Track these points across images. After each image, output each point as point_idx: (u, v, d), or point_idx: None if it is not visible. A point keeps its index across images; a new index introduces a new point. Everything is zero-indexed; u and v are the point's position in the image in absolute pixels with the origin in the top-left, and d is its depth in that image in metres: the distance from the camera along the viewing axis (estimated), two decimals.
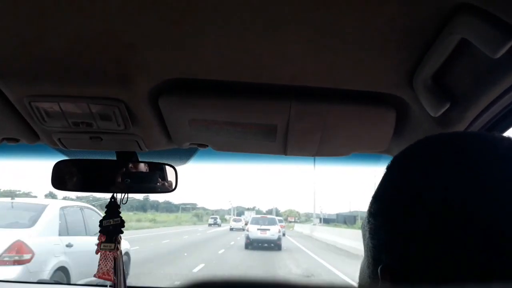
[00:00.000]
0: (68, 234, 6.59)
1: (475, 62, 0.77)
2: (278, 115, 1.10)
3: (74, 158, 1.55)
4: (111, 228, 1.57)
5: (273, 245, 21.34)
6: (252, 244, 21.30)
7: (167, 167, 1.58)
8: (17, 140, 1.29)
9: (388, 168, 0.53)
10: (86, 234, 6.78)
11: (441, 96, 0.87)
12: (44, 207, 6.54)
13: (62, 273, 6.10)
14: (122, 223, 1.60)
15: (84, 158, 1.54)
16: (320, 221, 59.36)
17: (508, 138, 0.50)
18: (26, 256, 5.59)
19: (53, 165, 1.50)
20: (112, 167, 1.54)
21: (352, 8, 0.72)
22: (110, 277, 1.56)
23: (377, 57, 0.87)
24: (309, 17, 0.76)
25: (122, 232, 1.60)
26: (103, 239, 1.57)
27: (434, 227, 0.44)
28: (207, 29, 0.80)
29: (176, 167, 1.57)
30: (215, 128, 1.20)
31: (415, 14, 0.73)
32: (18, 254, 5.56)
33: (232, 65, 0.93)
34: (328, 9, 0.73)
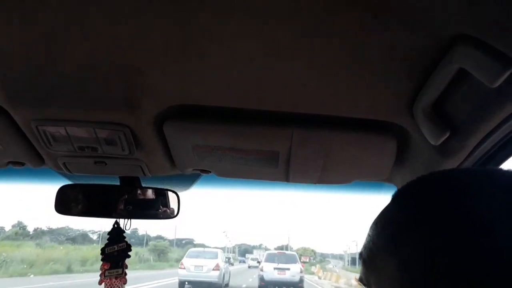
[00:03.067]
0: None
1: (474, 91, 0.78)
2: (280, 142, 1.11)
3: (77, 182, 1.56)
4: (115, 254, 1.57)
5: None
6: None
7: (170, 193, 1.58)
8: (22, 164, 1.30)
9: (392, 198, 0.54)
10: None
11: (441, 125, 0.88)
12: (217, 251, 20.59)
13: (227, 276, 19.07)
14: (128, 247, 1.59)
15: (88, 182, 1.55)
16: (348, 263, 47.72)
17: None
18: (217, 269, 17.46)
19: (56, 190, 1.50)
20: (115, 192, 1.55)
21: (353, 37, 0.75)
22: None
23: (378, 86, 0.89)
24: (311, 47, 0.78)
25: (129, 256, 1.59)
26: (106, 267, 1.56)
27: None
28: (212, 56, 0.83)
29: (179, 193, 1.58)
30: (218, 154, 1.21)
31: (415, 44, 0.74)
32: (216, 269, 17.42)
33: (236, 92, 0.95)
34: (330, 38, 0.75)
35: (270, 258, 19.10)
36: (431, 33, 0.71)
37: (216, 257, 18.62)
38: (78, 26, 0.76)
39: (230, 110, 1.02)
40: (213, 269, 17.29)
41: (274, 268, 17.99)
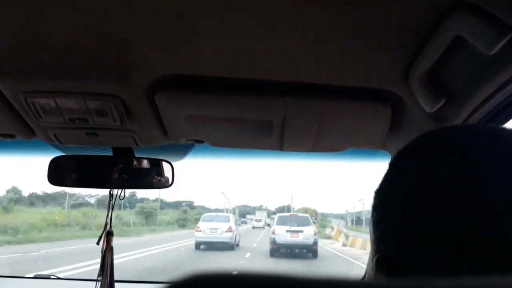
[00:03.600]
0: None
1: (470, 59, 0.77)
2: (274, 111, 1.10)
3: (70, 153, 1.55)
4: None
5: (307, 252, 16.38)
6: (279, 251, 16.46)
7: (164, 163, 1.58)
8: (13, 136, 1.29)
9: (389, 165, 0.54)
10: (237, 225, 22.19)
11: (436, 92, 0.87)
12: (229, 215, 23.48)
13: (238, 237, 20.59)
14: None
15: (80, 154, 1.54)
16: (352, 223, 44.63)
17: (510, 131, 0.50)
18: (230, 231, 19.19)
19: (49, 161, 1.50)
20: (109, 163, 1.54)
21: (348, 5, 0.73)
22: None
23: (373, 54, 0.87)
24: (305, 15, 0.76)
25: None
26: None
27: (431, 219, 0.45)
28: (203, 25, 0.81)
29: (173, 163, 1.58)
30: (211, 124, 1.20)
31: (411, 12, 0.73)
32: (229, 231, 19.08)
33: (228, 61, 0.93)
34: (324, 6, 0.73)
35: (282, 221, 18.24)
36: (428, 0, 0.69)
37: (228, 220, 20.22)
38: None
39: (223, 80, 1.00)
40: (226, 231, 18.73)
41: (287, 231, 16.96)
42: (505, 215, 0.42)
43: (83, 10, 0.78)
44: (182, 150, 1.72)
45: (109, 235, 1.57)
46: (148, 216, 37.12)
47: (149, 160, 1.58)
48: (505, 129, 0.51)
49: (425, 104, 0.91)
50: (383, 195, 0.53)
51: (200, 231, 18.78)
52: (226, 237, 18.54)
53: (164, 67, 0.96)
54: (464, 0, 0.64)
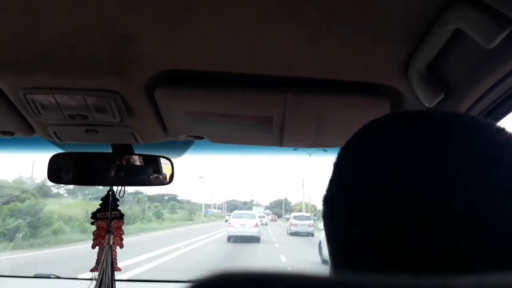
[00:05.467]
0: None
1: (469, 53, 0.77)
2: (274, 107, 1.10)
3: (70, 151, 1.55)
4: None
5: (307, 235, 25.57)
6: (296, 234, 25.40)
7: (163, 160, 1.58)
8: (11, 134, 1.29)
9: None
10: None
11: (435, 87, 0.88)
12: (254, 213, 29.00)
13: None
14: (121, 216, 1.60)
15: (80, 151, 1.54)
16: None
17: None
18: (257, 226, 23.19)
19: (48, 159, 1.50)
20: (108, 160, 1.55)
21: (347, 0, 0.73)
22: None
23: (372, 48, 0.88)
24: (304, 8, 0.76)
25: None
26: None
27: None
28: (203, 20, 0.81)
29: (172, 160, 1.58)
30: (211, 120, 1.20)
31: (410, 5, 0.73)
32: (256, 226, 23.12)
33: (228, 56, 0.93)
34: (323, 2, 0.73)
35: (297, 217, 29.34)
36: None
37: (254, 217, 25.28)
38: None
39: (222, 75, 1.00)
40: (254, 226, 23.25)
41: (298, 224, 28.06)
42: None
43: (82, 5, 0.77)
44: (182, 146, 1.72)
45: (108, 233, 1.58)
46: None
47: (149, 157, 1.58)
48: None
49: (424, 98, 0.91)
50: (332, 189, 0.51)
51: (232, 226, 23.39)
52: (254, 231, 22.86)
53: (164, 63, 0.96)
54: None
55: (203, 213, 63.32)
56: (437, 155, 0.43)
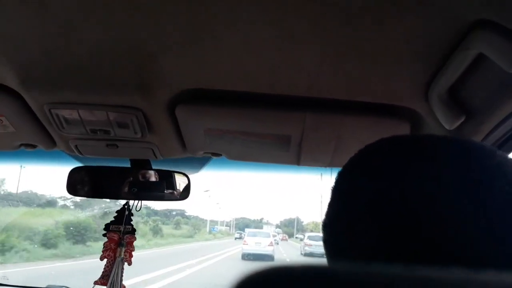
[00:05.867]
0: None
1: (491, 76, 0.78)
2: (292, 126, 1.11)
3: (88, 164, 1.57)
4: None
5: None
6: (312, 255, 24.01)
7: (180, 175, 1.59)
8: (34, 146, 1.31)
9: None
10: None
11: (456, 110, 0.88)
12: (269, 232, 31.14)
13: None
14: (133, 231, 1.61)
15: (98, 165, 1.56)
16: None
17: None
18: (271, 245, 23.53)
19: (68, 172, 1.52)
20: (126, 174, 1.56)
21: (369, 21, 0.74)
22: (105, 282, 1.55)
23: (393, 70, 0.88)
24: (326, 30, 0.77)
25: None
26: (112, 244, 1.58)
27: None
28: (225, 40, 0.82)
29: (189, 175, 1.59)
30: (229, 138, 1.21)
31: (433, 29, 0.74)
32: (271, 245, 23.19)
33: (249, 76, 0.95)
34: (345, 22, 0.74)
35: (312, 238, 27.38)
36: (450, 19, 0.70)
37: (269, 236, 25.68)
38: (93, 12, 0.76)
39: (243, 94, 1.02)
40: (268, 245, 23.39)
41: (314, 245, 26.11)
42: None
43: (110, 24, 0.80)
44: (199, 162, 1.74)
45: (120, 246, 1.58)
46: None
47: (166, 172, 1.59)
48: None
49: (444, 121, 0.91)
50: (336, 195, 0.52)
51: (247, 244, 23.57)
52: (268, 250, 23.00)
53: (186, 81, 0.98)
54: (486, 18, 0.65)
55: (207, 230, 60.64)
56: (425, 181, 0.43)
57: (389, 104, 1.02)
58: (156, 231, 34.03)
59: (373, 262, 0.42)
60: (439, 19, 0.71)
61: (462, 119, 0.88)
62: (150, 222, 35.05)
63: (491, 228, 0.40)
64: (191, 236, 44.81)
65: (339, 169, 0.54)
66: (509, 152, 0.92)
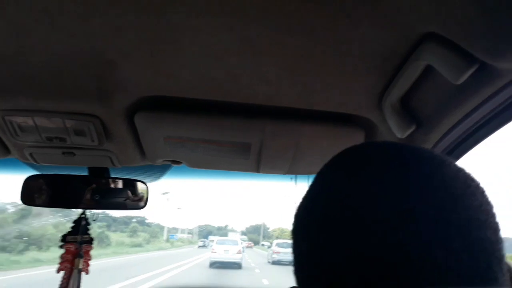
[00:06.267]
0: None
1: (439, 87, 0.81)
2: (252, 134, 1.13)
3: (45, 173, 1.53)
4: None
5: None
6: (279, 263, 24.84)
7: (139, 184, 1.57)
8: None
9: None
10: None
11: (407, 119, 0.91)
12: (237, 240, 28.18)
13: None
14: (90, 241, 1.58)
15: (55, 173, 1.52)
16: None
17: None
18: (240, 252, 23.67)
19: (23, 180, 1.47)
20: (83, 183, 1.53)
21: (326, 34, 0.76)
22: None
23: (348, 81, 0.91)
24: (285, 41, 0.79)
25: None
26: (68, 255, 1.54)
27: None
28: (185, 48, 0.83)
29: (148, 184, 1.57)
30: (189, 146, 1.21)
31: (385, 42, 0.77)
32: (239, 253, 23.49)
33: (209, 84, 0.95)
34: (304, 34, 0.77)
35: (281, 245, 27.31)
36: (402, 31, 0.73)
37: (237, 244, 25.30)
38: (49, 19, 0.75)
39: (203, 102, 1.02)
40: (237, 253, 23.62)
41: (282, 252, 26.28)
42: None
43: (67, 31, 0.78)
44: (159, 170, 1.72)
45: (79, 257, 1.55)
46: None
47: (124, 180, 1.57)
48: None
49: (396, 129, 0.95)
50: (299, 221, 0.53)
51: (215, 252, 23.78)
52: (237, 257, 23.27)
53: (145, 89, 0.98)
54: (433, 31, 0.69)
55: (165, 238, 56.72)
56: (390, 193, 0.43)
57: (346, 113, 1.05)
58: (102, 239, 30.87)
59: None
60: (391, 32, 0.74)
61: (413, 128, 0.91)
62: (96, 229, 29.96)
63: (419, 234, 0.40)
64: (139, 245, 40.56)
65: (304, 176, 0.56)
66: (456, 160, 0.96)
